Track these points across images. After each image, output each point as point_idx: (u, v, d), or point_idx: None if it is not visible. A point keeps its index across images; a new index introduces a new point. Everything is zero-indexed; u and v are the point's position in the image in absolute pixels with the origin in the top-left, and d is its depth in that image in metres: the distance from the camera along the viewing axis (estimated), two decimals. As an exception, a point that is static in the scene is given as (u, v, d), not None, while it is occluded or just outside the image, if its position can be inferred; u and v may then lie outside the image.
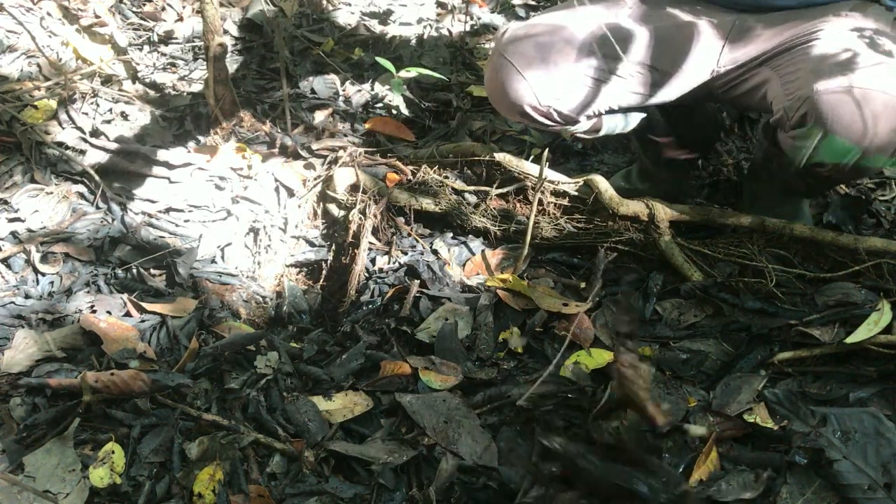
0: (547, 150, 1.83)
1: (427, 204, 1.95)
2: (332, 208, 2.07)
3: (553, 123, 1.73)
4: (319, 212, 2.12)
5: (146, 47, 2.57)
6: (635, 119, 1.86)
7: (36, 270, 1.75)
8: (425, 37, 2.80)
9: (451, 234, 1.94)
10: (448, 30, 2.87)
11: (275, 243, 2.06)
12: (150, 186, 2.02)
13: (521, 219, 1.89)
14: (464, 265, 1.87)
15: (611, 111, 1.76)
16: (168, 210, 1.97)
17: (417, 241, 1.94)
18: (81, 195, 1.96)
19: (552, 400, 1.43)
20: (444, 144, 2.10)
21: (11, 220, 1.85)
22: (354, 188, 2.01)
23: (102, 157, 2.03)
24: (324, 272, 2.10)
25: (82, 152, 2.03)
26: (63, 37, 2.37)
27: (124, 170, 2.03)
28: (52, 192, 1.93)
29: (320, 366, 1.61)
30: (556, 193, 1.87)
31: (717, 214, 1.78)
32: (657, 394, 1.42)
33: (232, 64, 2.49)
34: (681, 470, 1.26)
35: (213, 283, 1.83)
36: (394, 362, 1.56)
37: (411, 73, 2.40)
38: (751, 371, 1.44)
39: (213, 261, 1.91)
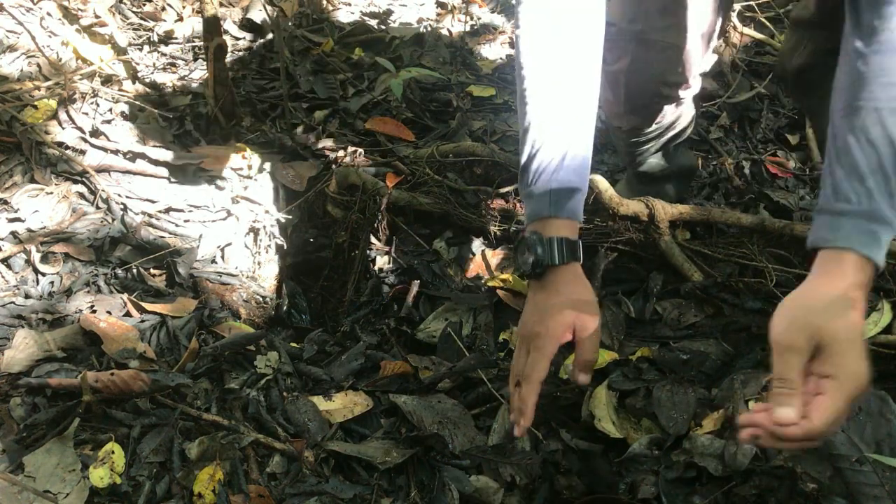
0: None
1: (427, 204, 1.95)
2: (332, 208, 2.07)
3: None
4: (319, 212, 2.13)
5: (146, 47, 2.57)
6: None
7: (36, 270, 1.75)
8: (425, 37, 2.80)
9: (451, 234, 1.94)
10: (448, 30, 2.87)
11: (275, 243, 2.06)
12: (150, 186, 2.02)
13: (521, 219, 1.89)
14: (464, 265, 1.87)
15: None
16: (168, 210, 1.97)
17: (418, 242, 1.94)
18: (81, 195, 1.95)
19: (546, 399, 1.44)
20: (444, 144, 2.10)
21: (11, 220, 1.84)
22: (354, 188, 2.01)
23: (102, 157, 2.03)
24: (324, 272, 2.10)
25: (82, 152, 2.03)
26: (63, 37, 2.37)
27: (124, 170, 2.03)
28: (52, 192, 1.93)
29: (320, 366, 1.61)
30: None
31: (717, 214, 1.78)
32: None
33: (232, 64, 2.49)
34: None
35: (213, 283, 1.83)
36: (394, 362, 1.56)
37: (411, 73, 2.40)
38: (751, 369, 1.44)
39: (213, 261, 1.91)
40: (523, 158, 1.21)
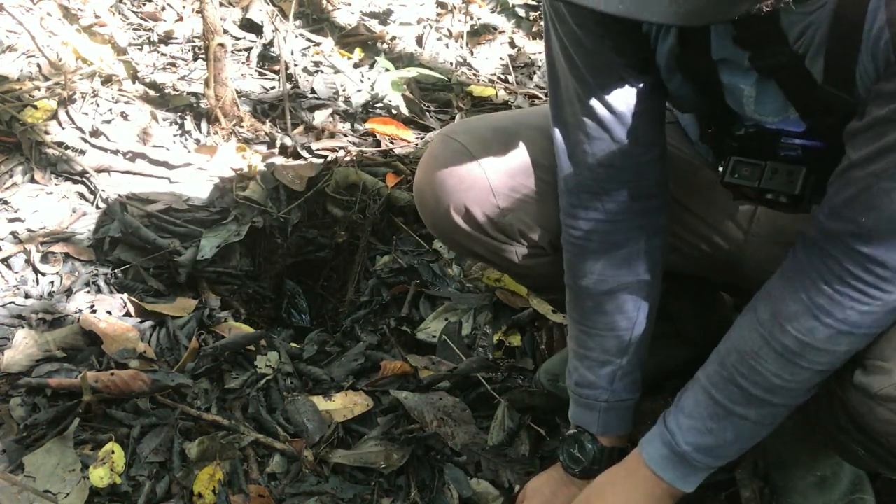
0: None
1: (427, 204, 1.95)
2: (332, 208, 2.07)
3: (505, 239, 1.20)
4: (319, 212, 2.12)
5: (146, 47, 2.57)
6: None
7: (36, 270, 1.75)
8: (425, 37, 2.80)
9: (451, 234, 1.93)
10: (448, 30, 2.87)
11: (274, 243, 2.06)
12: (150, 186, 2.02)
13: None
14: (464, 265, 1.87)
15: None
16: (168, 210, 1.97)
17: (418, 242, 1.94)
18: (81, 195, 1.95)
19: (539, 398, 1.44)
20: (444, 144, 2.10)
21: (11, 220, 1.84)
22: (354, 188, 2.01)
23: (102, 157, 2.03)
24: (324, 272, 2.10)
25: (82, 152, 2.03)
26: (63, 37, 2.37)
27: (124, 170, 2.03)
28: (52, 192, 1.93)
29: (320, 366, 1.61)
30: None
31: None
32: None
33: (232, 64, 2.49)
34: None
35: (212, 283, 1.83)
36: (394, 362, 1.56)
37: (411, 73, 2.40)
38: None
39: (213, 261, 1.91)
40: (569, 362, 1.19)
